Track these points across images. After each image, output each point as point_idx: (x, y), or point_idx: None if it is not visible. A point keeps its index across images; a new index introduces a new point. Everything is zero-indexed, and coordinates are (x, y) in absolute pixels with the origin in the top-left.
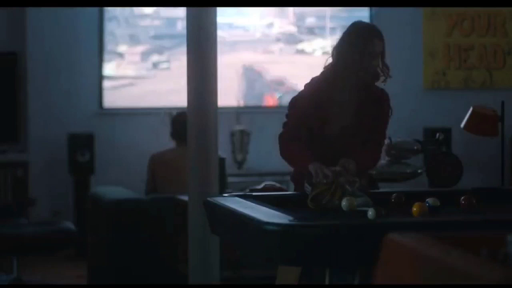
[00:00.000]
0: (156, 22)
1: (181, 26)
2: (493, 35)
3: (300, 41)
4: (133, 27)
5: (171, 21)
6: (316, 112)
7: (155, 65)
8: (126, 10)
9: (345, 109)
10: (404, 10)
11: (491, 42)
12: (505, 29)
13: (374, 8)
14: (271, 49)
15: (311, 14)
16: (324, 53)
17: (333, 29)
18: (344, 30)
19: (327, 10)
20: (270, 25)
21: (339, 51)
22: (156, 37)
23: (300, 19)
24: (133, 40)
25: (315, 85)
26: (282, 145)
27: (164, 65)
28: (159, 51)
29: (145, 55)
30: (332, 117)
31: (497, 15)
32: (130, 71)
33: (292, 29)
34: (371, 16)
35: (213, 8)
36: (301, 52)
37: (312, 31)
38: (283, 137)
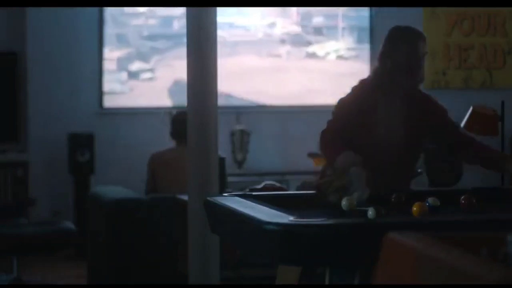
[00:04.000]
0: (151, 21)
1: (177, 26)
2: (493, 35)
3: (308, 43)
4: (122, 27)
5: (167, 20)
6: (361, 119)
7: (134, 75)
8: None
9: (393, 115)
10: (404, 10)
11: (491, 42)
12: (505, 29)
13: (374, 8)
14: (277, 52)
15: (317, 13)
16: (339, 57)
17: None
18: (354, 30)
19: (338, 9)
20: (272, 24)
21: (387, 56)
22: (149, 37)
23: (305, 18)
24: (121, 41)
25: (361, 90)
26: (322, 142)
27: (147, 75)
28: (145, 56)
29: (123, 62)
30: (379, 124)
31: (497, 15)
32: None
33: (296, 29)
34: (371, 16)
35: (213, 8)
36: (312, 55)
37: (319, 32)
38: (325, 135)
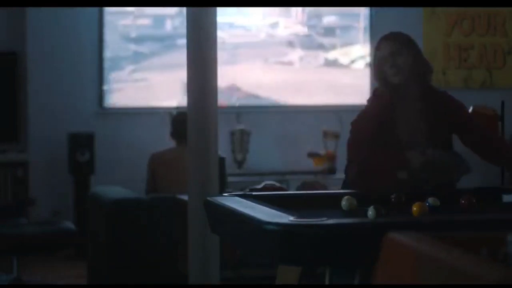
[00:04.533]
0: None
1: (170, 26)
2: (493, 34)
3: (320, 46)
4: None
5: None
6: (382, 134)
7: (135, 75)
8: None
9: (411, 118)
10: (404, 10)
11: (491, 42)
12: (505, 29)
13: (374, 8)
14: (286, 57)
15: (327, 12)
16: (369, 64)
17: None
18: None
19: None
20: (275, 25)
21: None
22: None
23: (312, 18)
24: (120, 40)
25: (375, 102)
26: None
27: (147, 75)
28: (144, 56)
29: (123, 62)
30: (400, 134)
31: (497, 15)
32: None
33: (303, 29)
34: (371, 16)
35: (213, 7)
36: (333, 63)
37: (332, 32)
38: (355, 171)
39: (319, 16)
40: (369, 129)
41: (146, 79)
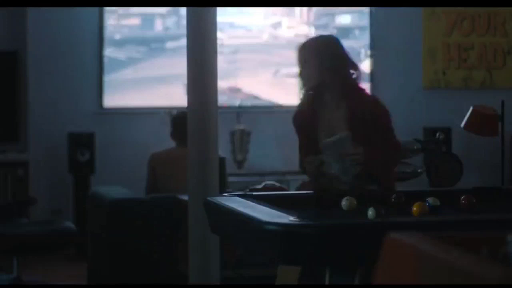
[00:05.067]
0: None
1: (161, 26)
2: (493, 34)
3: None
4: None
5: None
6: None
7: (134, 74)
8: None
9: (331, 126)
10: (404, 9)
11: (491, 42)
12: (505, 29)
13: (374, 7)
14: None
15: (339, 11)
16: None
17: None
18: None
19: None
20: (277, 25)
21: None
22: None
23: (320, 17)
24: (121, 40)
25: (304, 104)
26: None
27: (146, 74)
28: (143, 55)
29: (123, 61)
30: (321, 135)
31: (497, 15)
32: None
33: (308, 30)
34: (371, 15)
35: (213, 8)
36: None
37: (346, 34)
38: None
39: (330, 16)
40: (300, 136)
41: (146, 79)
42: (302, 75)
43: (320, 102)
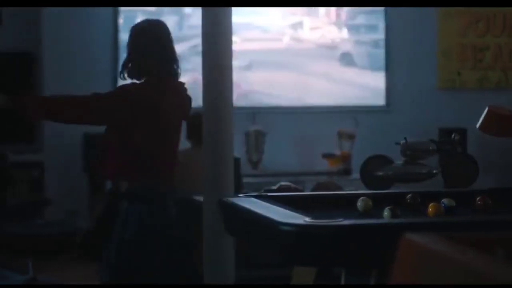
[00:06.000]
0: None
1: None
2: (509, 35)
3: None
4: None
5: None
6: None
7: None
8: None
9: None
10: (419, 10)
11: (506, 43)
12: None
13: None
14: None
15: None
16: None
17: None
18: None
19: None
20: (298, 25)
21: None
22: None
23: (354, 17)
24: None
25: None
26: None
27: None
28: None
29: None
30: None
31: None
32: None
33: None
34: (386, 15)
35: (228, 8)
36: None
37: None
38: None
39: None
40: None
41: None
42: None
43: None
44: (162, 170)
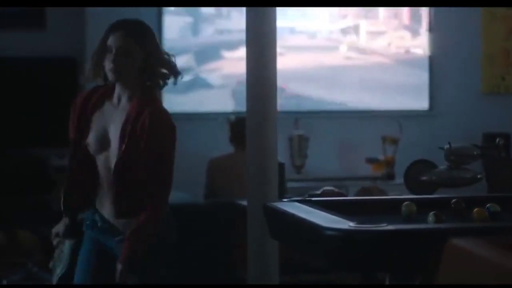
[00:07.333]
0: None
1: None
2: None
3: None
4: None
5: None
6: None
7: (191, 78)
8: None
9: (111, 133)
10: (463, 12)
11: None
12: None
13: (433, 10)
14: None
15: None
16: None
17: None
18: None
19: None
20: (354, 29)
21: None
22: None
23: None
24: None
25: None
26: None
27: (205, 78)
28: (204, 58)
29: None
30: (92, 144)
31: None
32: None
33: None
34: (430, 17)
35: (273, 10)
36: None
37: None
38: None
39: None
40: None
41: (204, 83)
42: (121, 62)
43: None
44: None
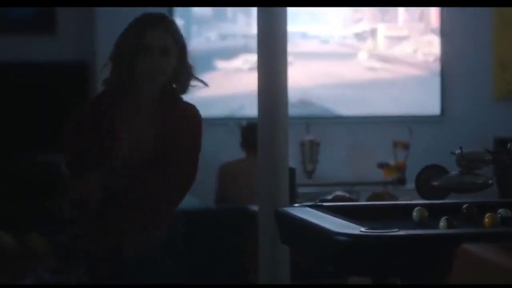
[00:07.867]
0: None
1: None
2: None
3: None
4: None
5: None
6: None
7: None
8: None
9: (137, 132)
10: (474, 18)
11: None
12: None
13: (445, 14)
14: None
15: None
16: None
17: None
18: None
19: None
20: (371, 33)
21: (115, 50)
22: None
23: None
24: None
25: (93, 105)
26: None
27: (214, 83)
28: (215, 64)
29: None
30: (118, 142)
31: None
32: None
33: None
34: (441, 22)
35: (284, 14)
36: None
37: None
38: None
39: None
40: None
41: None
42: (147, 62)
43: (130, 98)
44: None
